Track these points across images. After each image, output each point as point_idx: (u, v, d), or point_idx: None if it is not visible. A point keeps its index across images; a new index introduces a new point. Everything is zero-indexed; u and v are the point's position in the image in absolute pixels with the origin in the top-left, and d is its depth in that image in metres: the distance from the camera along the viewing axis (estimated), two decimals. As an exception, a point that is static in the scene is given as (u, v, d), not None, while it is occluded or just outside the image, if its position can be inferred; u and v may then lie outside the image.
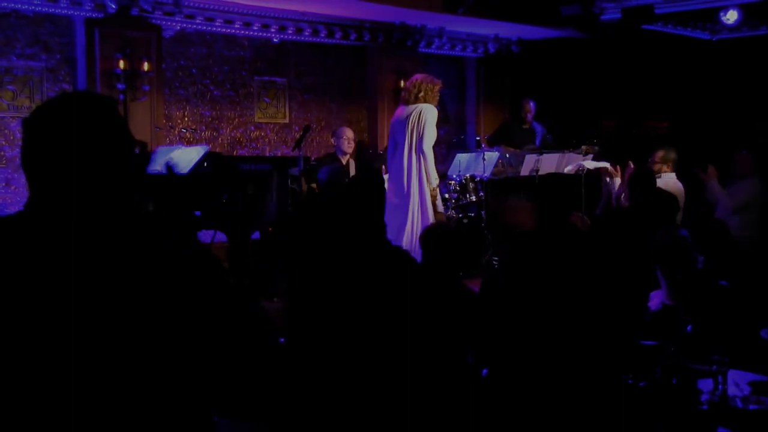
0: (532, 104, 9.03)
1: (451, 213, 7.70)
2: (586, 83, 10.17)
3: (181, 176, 5.97)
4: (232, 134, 9.27)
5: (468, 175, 7.85)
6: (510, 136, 8.94)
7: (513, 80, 10.79)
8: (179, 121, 8.82)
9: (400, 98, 6.34)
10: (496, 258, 6.32)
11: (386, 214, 5.41)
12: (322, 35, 9.29)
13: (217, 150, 8.62)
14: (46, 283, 1.36)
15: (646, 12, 8.94)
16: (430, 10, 9.02)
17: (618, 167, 6.67)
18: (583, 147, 7.99)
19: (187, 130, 8.60)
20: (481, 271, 5.22)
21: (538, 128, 9.10)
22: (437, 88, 6.11)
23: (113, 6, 7.65)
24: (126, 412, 1.38)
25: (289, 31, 9.05)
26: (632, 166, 6.12)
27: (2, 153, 7.80)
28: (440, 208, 6.23)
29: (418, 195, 5.96)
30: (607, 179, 6.72)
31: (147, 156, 6.69)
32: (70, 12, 7.73)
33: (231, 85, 9.20)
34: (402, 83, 9.38)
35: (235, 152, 9.16)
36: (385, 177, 6.37)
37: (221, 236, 6.43)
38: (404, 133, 6.02)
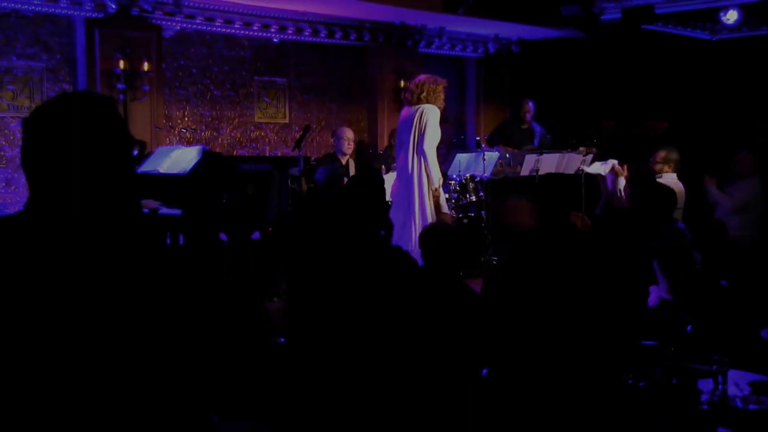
0: (531, 104, 9.01)
1: (451, 213, 7.70)
2: (586, 83, 10.17)
3: (181, 176, 5.97)
4: (232, 134, 9.27)
5: (468, 175, 7.85)
6: (509, 136, 8.94)
7: (513, 80, 10.80)
8: (179, 121, 8.82)
9: (404, 99, 6.34)
10: (496, 258, 6.31)
11: (391, 213, 5.44)
12: (322, 35, 9.29)
13: (217, 150, 8.62)
14: (45, 283, 1.36)
15: (646, 12, 8.94)
16: (430, 10, 9.02)
17: (625, 166, 6.68)
18: (582, 148, 7.98)
19: (187, 130, 8.60)
20: (481, 271, 5.23)
21: (537, 128, 9.09)
22: (441, 87, 6.10)
23: (113, 6, 7.66)
24: (126, 412, 1.38)
25: (289, 31, 9.06)
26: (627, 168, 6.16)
27: (2, 153, 7.80)
28: (444, 208, 6.23)
29: (419, 195, 5.98)
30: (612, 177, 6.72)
31: (141, 156, 6.71)
32: (70, 12, 7.74)
33: (231, 85, 9.21)
34: (402, 83, 9.40)
35: (235, 152, 9.16)
36: (386, 177, 6.37)
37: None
38: (409, 133, 6.05)
